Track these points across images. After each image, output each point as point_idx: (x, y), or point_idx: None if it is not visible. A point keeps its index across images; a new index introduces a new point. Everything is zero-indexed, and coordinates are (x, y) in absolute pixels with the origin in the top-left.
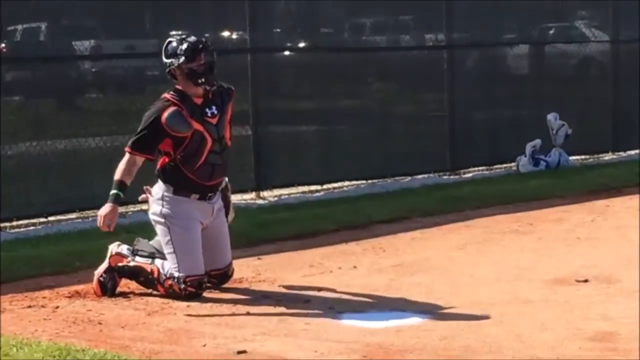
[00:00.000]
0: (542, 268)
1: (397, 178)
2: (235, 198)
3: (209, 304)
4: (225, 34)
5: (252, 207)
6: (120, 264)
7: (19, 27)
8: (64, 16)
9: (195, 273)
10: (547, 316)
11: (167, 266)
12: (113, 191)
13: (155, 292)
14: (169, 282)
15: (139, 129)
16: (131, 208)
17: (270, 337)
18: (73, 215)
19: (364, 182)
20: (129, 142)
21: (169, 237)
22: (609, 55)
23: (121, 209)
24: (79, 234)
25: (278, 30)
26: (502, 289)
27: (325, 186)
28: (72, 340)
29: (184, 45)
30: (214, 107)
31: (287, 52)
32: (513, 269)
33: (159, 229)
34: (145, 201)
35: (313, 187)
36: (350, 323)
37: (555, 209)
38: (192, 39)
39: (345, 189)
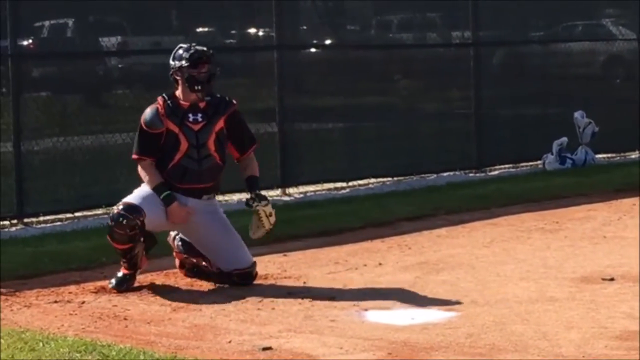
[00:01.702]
0: (568, 266)
1: (423, 175)
2: None
3: (234, 301)
4: (252, 30)
5: (277, 204)
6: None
7: (46, 23)
8: (91, 12)
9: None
10: (573, 315)
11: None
12: (165, 194)
13: (181, 288)
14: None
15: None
16: None
17: (295, 334)
18: (99, 211)
19: (389, 179)
20: (133, 149)
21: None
22: (636, 53)
23: None
24: (105, 230)
25: (304, 27)
26: (528, 287)
27: (350, 183)
28: (98, 335)
29: (191, 51)
30: (199, 115)
31: (313, 49)
32: (539, 267)
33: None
34: None
35: (339, 184)
36: (376, 320)
37: (581, 207)
38: (200, 48)
39: (370, 186)
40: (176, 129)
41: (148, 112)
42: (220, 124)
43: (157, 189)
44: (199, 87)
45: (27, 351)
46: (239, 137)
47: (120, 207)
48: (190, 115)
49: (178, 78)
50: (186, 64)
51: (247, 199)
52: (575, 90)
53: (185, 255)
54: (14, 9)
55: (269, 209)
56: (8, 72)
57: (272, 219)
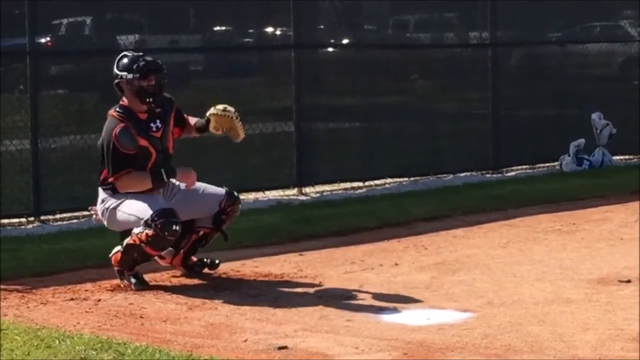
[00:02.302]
0: (584, 268)
1: (439, 176)
2: (277, 194)
3: (250, 299)
4: (269, 29)
5: (294, 203)
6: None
7: (64, 21)
8: (109, 10)
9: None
10: (589, 316)
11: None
12: (164, 172)
13: (196, 287)
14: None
15: (107, 157)
16: None
17: (311, 333)
18: None
19: (406, 179)
20: (110, 172)
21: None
22: None
23: None
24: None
25: (322, 26)
26: (544, 288)
27: (367, 183)
28: (113, 333)
29: (140, 63)
30: (157, 121)
31: (330, 49)
32: (555, 268)
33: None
34: (98, 221)
35: (355, 184)
36: (392, 320)
37: (598, 209)
38: (148, 58)
39: (387, 186)
40: (146, 143)
41: (120, 134)
42: (171, 121)
43: (154, 178)
44: (150, 100)
45: (43, 348)
46: (180, 120)
47: (162, 213)
48: (151, 125)
49: (125, 89)
50: (136, 76)
51: (200, 125)
52: (592, 91)
53: (181, 255)
54: (32, 7)
55: (219, 106)
56: (26, 70)
57: (229, 107)
